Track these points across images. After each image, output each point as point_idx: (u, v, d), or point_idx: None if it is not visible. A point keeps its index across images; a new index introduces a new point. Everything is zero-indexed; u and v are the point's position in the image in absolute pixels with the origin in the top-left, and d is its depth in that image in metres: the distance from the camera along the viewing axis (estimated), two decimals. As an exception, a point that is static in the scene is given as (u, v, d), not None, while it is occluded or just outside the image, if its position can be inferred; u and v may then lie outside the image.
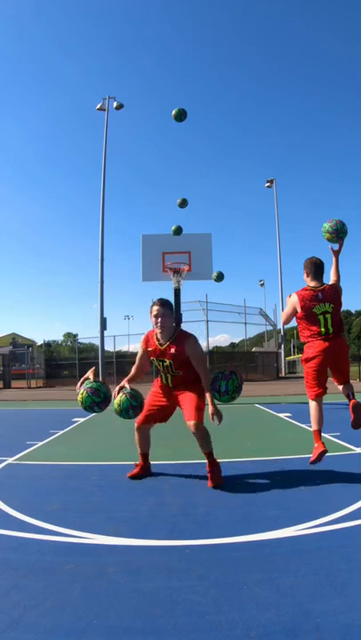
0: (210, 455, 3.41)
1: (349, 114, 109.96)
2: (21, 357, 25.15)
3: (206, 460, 3.43)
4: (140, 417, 3.55)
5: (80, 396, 3.32)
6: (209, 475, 3.38)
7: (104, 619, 1.65)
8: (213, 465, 3.40)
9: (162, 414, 3.63)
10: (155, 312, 3.44)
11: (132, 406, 3.39)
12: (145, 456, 3.71)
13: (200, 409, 3.41)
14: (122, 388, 3.48)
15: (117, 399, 3.41)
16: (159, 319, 3.42)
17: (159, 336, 3.49)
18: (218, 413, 3.30)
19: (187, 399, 3.44)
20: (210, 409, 3.34)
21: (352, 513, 2.67)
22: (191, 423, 3.33)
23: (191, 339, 3.48)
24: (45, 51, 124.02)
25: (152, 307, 3.48)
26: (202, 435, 3.36)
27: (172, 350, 3.43)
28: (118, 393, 3.45)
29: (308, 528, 2.47)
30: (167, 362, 3.46)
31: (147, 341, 3.57)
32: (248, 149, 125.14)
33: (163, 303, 3.48)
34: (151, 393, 3.70)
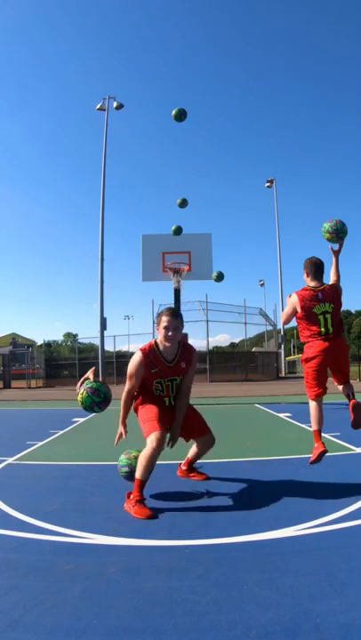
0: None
1: (350, 113, 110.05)
2: (21, 357, 25.18)
3: (186, 466, 3.65)
4: (158, 427, 2.95)
5: (80, 395, 3.28)
6: (197, 472, 3.63)
7: (104, 619, 1.65)
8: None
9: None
10: (165, 323, 3.07)
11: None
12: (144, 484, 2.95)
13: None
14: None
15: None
16: (170, 333, 3.06)
17: (164, 351, 3.12)
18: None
19: (192, 413, 3.35)
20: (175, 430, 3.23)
21: (352, 513, 2.67)
22: (208, 436, 3.37)
23: (195, 351, 3.34)
24: (46, 50, 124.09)
25: (161, 317, 3.11)
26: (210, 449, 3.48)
27: (183, 365, 3.17)
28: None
29: (308, 528, 2.47)
30: (178, 379, 3.18)
31: (148, 363, 3.10)
32: (248, 149, 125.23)
33: (175, 314, 3.13)
34: (149, 407, 3.17)
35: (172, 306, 3.25)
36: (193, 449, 3.49)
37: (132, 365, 3.15)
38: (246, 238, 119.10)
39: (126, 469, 3.18)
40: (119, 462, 3.27)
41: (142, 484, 2.90)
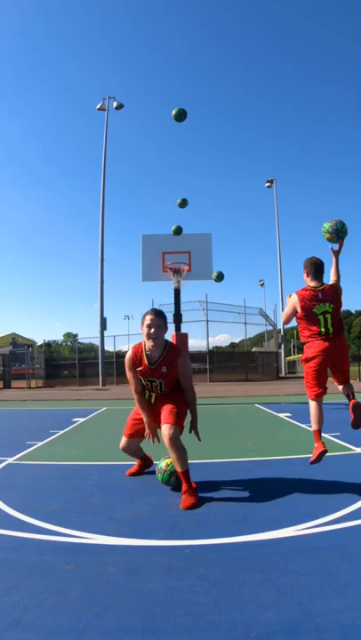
0: (186, 474, 3.01)
1: (350, 113, 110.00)
2: (21, 357, 25.13)
3: (182, 480, 3.02)
4: (126, 435, 3.53)
5: (161, 475, 3.33)
6: (183, 495, 2.97)
7: (104, 619, 1.65)
8: (190, 488, 2.99)
9: (143, 430, 3.43)
10: (148, 321, 3.19)
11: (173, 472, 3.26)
12: (142, 458, 3.79)
13: (180, 414, 3.17)
14: (154, 433, 3.31)
15: (161, 474, 3.31)
16: (152, 330, 3.17)
17: (149, 351, 3.24)
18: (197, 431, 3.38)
19: (166, 404, 3.22)
20: (193, 424, 3.37)
21: (352, 513, 2.67)
22: (166, 427, 3.04)
23: (182, 356, 3.30)
24: (47, 49, 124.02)
25: (145, 316, 3.24)
26: (177, 444, 3.01)
27: (164, 369, 3.23)
28: (153, 436, 3.32)
29: (308, 528, 2.47)
30: (157, 382, 3.28)
31: (134, 362, 3.29)
32: (249, 149, 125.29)
33: (157, 313, 3.25)
34: (134, 410, 3.58)
35: (156, 308, 3.35)
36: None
37: (125, 361, 3.36)
38: (246, 238, 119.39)
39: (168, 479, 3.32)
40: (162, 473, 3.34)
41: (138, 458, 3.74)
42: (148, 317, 3.21)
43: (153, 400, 3.39)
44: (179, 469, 3.04)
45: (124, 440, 3.57)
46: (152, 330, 3.18)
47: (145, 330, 3.21)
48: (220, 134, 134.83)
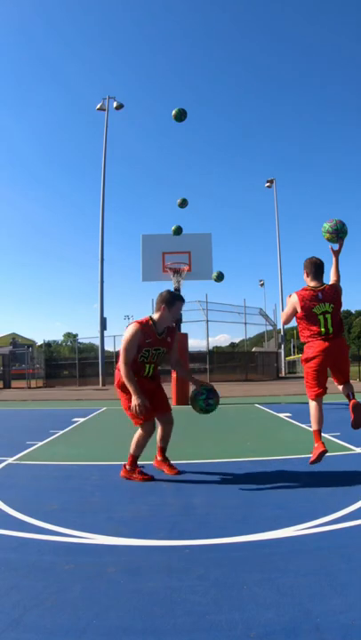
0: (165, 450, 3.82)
1: (350, 113, 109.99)
2: (21, 357, 25.13)
3: (161, 456, 3.82)
4: (147, 419, 3.47)
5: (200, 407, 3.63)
6: (169, 466, 3.75)
7: (104, 619, 1.65)
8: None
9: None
10: (179, 310, 3.67)
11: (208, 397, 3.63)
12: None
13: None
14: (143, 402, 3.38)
15: (198, 407, 3.63)
16: (177, 315, 3.67)
17: (158, 325, 3.57)
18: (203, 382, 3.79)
19: (161, 390, 3.77)
20: (196, 383, 3.72)
21: (352, 513, 2.67)
22: (170, 414, 3.70)
23: (176, 330, 3.79)
24: (47, 49, 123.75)
25: (176, 301, 3.58)
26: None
27: (168, 339, 3.62)
28: (143, 407, 3.35)
29: (308, 528, 2.47)
30: (162, 350, 3.60)
31: (143, 333, 3.48)
32: (249, 148, 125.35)
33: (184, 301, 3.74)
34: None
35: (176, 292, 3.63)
36: (159, 433, 3.75)
37: (130, 335, 3.46)
38: (246, 238, 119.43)
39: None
40: None
41: (136, 458, 3.63)
42: (180, 305, 3.64)
43: (151, 372, 3.67)
44: (164, 445, 3.78)
45: (146, 428, 3.53)
46: (177, 315, 3.68)
47: (173, 314, 3.57)
48: (220, 134, 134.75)
